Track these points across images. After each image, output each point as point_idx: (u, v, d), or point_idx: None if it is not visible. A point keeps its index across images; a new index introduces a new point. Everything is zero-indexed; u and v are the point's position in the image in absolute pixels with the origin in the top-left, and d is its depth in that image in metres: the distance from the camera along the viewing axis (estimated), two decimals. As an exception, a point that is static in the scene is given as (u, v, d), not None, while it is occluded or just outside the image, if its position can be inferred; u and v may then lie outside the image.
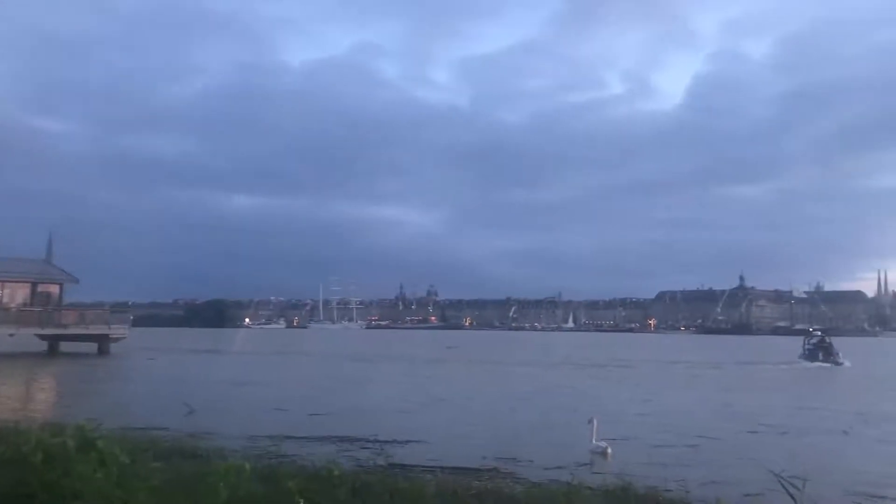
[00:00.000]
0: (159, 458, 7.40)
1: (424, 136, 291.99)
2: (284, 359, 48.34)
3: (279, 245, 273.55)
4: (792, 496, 6.37)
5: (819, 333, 57.27)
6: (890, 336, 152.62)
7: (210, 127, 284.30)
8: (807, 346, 51.63)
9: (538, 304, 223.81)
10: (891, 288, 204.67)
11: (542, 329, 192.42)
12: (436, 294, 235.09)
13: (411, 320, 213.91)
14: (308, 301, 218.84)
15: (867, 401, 24.79)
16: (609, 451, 13.34)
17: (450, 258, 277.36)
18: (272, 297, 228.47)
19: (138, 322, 68.36)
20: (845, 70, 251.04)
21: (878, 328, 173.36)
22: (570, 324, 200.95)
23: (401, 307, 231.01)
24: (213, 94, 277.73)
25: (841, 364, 46.98)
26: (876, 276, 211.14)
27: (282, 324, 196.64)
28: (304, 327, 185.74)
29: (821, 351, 49.78)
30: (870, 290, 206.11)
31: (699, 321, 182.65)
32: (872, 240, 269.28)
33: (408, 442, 14.16)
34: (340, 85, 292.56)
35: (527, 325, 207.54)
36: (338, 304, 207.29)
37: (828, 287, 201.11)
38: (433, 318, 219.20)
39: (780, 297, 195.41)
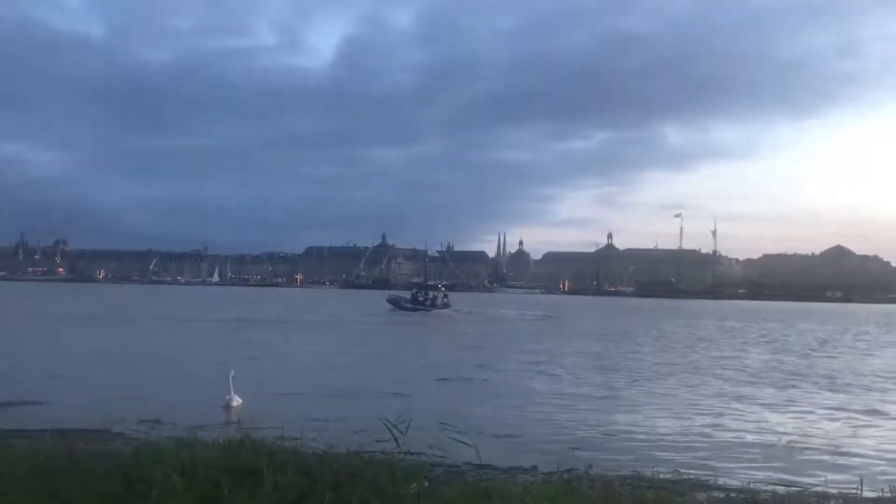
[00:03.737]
0: None
1: (51, 67, 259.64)
2: None
3: None
4: (394, 437, 6.82)
5: (441, 287, 68.35)
6: (505, 292, 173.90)
7: None
8: (413, 296, 61.20)
9: (182, 257, 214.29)
10: (508, 249, 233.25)
11: (186, 283, 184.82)
12: (64, 244, 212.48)
13: (34, 272, 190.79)
14: None
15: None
16: (235, 404, 13.32)
17: (83, 205, 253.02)
18: None
19: None
20: (478, 47, 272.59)
21: (496, 285, 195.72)
22: (216, 278, 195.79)
23: (21, 257, 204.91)
24: None
25: (447, 307, 58.22)
26: (497, 238, 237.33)
27: None
28: None
29: (424, 299, 60.25)
30: (492, 250, 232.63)
31: (343, 276, 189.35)
32: (495, 206, 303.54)
33: (24, 404, 12.66)
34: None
35: (169, 278, 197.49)
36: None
37: (457, 247, 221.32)
38: (60, 269, 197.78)
39: (416, 255, 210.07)
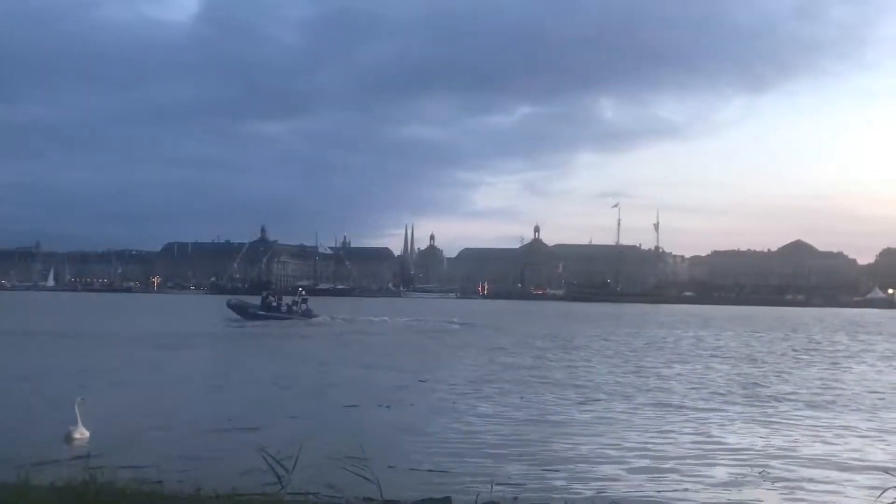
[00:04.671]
0: None
1: None
2: None
3: None
4: (278, 475, 6.83)
5: (302, 291, 67.95)
6: (413, 296, 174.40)
7: None
8: (264, 301, 60.58)
9: (9, 255, 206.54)
10: (417, 245, 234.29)
11: (13, 288, 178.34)
12: None
13: None
14: None
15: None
16: (79, 436, 13.11)
17: None
18: None
19: None
20: (382, 2, 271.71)
21: (402, 288, 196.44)
22: (51, 282, 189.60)
23: None
24: None
25: (310, 315, 58.07)
26: (403, 232, 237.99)
27: None
28: None
29: (277, 305, 60.00)
30: (397, 247, 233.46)
31: (213, 279, 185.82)
32: (401, 193, 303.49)
33: None
34: None
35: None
36: None
37: (355, 243, 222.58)
38: None
39: (304, 252, 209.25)
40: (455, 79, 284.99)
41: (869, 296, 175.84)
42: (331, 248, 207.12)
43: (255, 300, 61.90)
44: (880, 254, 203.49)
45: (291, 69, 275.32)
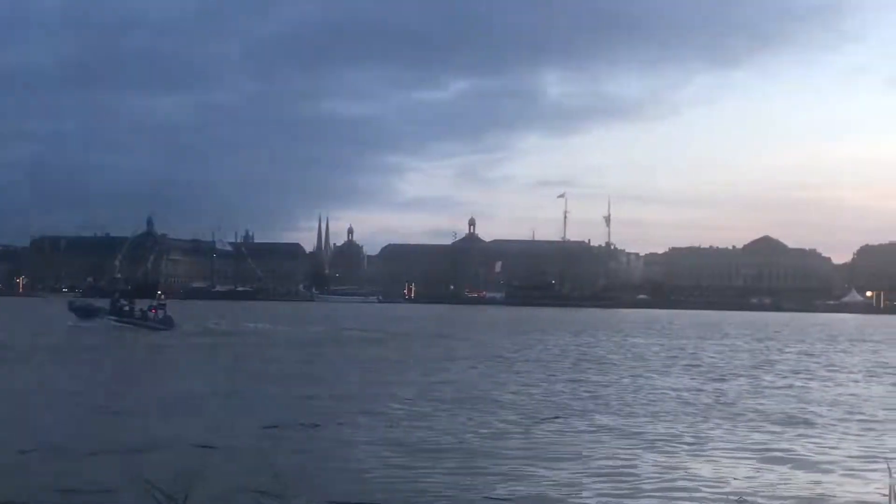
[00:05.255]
0: None
1: None
2: None
3: None
4: None
5: (161, 294, 66.98)
6: (328, 300, 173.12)
7: None
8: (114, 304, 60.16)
9: None
10: (333, 241, 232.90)
11: None
12: None
13: None
14: None
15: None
16: None
17: None
18: None
19: None
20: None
21: (316, 290, 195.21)
22: None
23: None
24: None
25: (170, 324, 56.91)
26: (317, 225, 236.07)
27: None
28: None
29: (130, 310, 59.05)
30: (310, 243, 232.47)
31: (90, 280, 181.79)
32: (315, 180, 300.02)
33: None
34: None
35: None
36: None
37: (260, 238, 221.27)
38: None
39: (200, 248, 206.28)
40: (377, 46, 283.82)
41: (845, 299, 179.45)
42: (231, 243, 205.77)
43: (105, 303, 61.66)
44: (858, 251, 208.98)
45: (181, 30, 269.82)
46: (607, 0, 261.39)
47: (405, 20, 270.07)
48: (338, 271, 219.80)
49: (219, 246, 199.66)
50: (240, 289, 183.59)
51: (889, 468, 9.22)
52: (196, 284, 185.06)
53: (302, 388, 26.02)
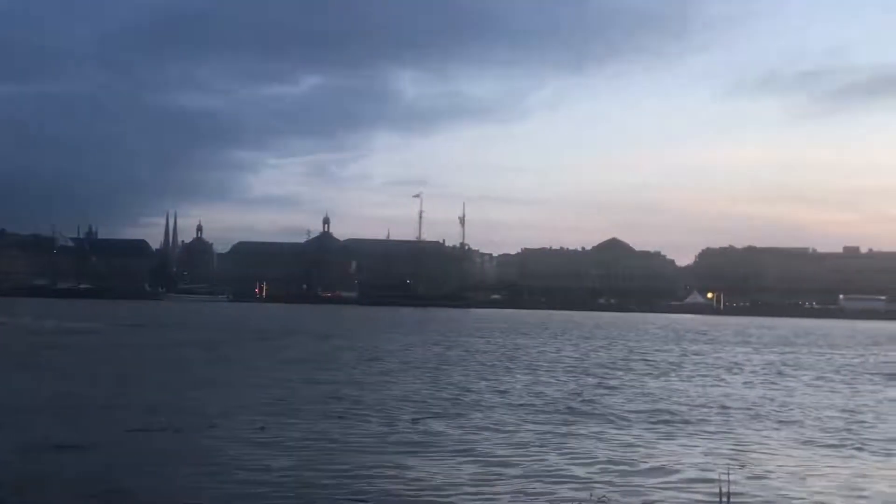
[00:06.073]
0: None
1: None
2: None
3: None
4: None
5: None
6: (176, 299, 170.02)
7: None
8: None
9: None
10: (182, 237, 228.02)
11: None
12: None
13: None
14: None
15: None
16: None
17: None
18: None
19: None
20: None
21: (163, 289, 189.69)
22: None
23: None
24: None
25: None
26: (164, 221, 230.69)
27: None
28: None
29: None
30: (157, 239, 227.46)
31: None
32: (161, 175, 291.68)
33: None
34: None
35: None
36: None
37: (104, 234, 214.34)
38: None
39: (40, 244, 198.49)
40: (228, 38, 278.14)
41: (687, 300, 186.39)
42: (73, 239, 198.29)
43: None
44: (700, 254, 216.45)
45: (25, 18, 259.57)
46: (463, 2, 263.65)
47: (259, 14, 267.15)
48: (186, 269, 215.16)
49: (60, 241, 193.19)
50: (82, 286, 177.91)
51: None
52: (38, 282, 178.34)
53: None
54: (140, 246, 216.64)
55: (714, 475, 12.93)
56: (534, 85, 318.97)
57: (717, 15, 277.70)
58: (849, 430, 19.87)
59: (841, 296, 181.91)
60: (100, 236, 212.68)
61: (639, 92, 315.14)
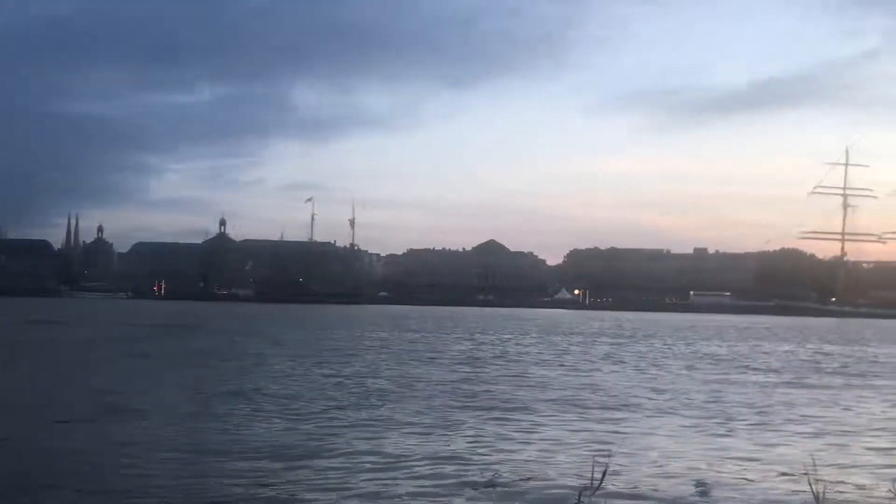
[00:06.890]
0: None
1: None
2: None
3: None
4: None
5: None
6: (77, 296, 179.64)
7: None
8: None
9: None
10: (83, 238, 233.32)
11: None
12: None
13: None
14: None
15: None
16: None
17: None
18: None
19: None
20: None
21: (64, 286, 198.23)
22: None
23: None
24: None
25: None
26: (66, 222, 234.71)
27: None
28: None
29: None
30: (59, 240, 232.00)
31: None
32: (63, 178, 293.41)
33: None
34: None
35: None
36: None
37: (14, 234, 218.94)
38: None
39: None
40: (127, 46, 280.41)
41: (557, 296, 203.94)
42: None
43: None
44: (568, 255, 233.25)
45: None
46: (361, 17, 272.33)
47: (160, 22, 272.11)
48: (87, 268, 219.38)
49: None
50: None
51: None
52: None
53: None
54: (42, 246, 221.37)
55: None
56: (426, 98, 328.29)
57: (594, 38, 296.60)
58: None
59: (692, 292, 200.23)
60: (10, 237, 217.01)
61: (515, 107, 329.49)
